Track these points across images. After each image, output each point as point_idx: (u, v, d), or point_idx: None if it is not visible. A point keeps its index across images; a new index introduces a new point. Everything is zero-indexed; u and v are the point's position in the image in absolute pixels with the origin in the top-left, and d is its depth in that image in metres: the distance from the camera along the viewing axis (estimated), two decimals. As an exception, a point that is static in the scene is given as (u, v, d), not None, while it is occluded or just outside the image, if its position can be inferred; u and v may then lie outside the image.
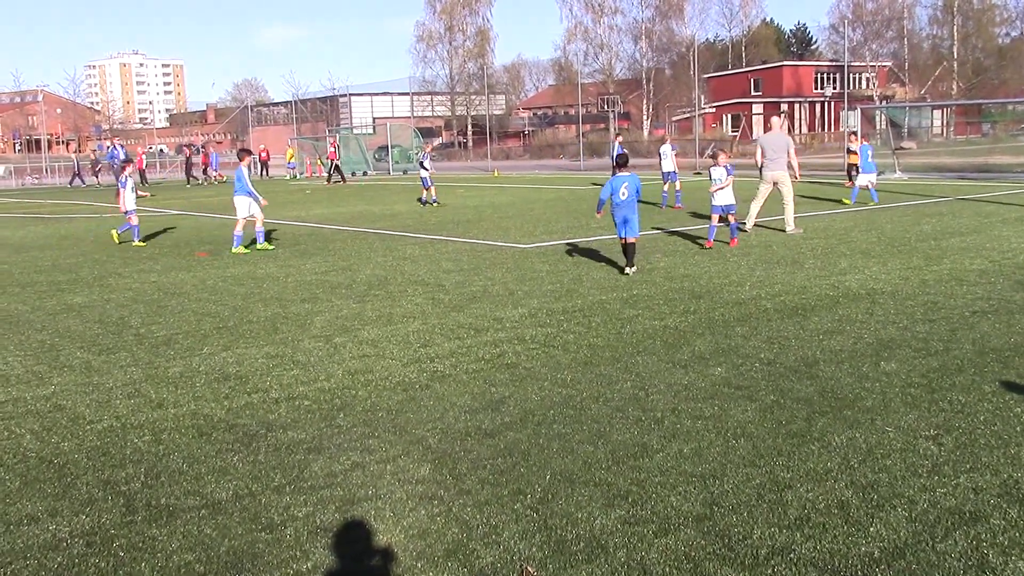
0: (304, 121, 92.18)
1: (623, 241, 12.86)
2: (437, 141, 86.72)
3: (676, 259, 14.05)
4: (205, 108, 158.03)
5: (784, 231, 16.71)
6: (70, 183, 52.48)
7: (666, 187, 24.05)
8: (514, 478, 5.44)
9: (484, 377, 7.70)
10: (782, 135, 17.40)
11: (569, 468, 5.56)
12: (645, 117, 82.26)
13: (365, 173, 58.98)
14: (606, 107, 78.75)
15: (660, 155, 24.65)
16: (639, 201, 13.22)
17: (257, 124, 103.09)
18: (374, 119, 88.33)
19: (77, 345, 9.44)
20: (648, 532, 4.66)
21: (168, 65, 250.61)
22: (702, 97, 73.95)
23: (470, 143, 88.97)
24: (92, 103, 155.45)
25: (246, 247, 17.10)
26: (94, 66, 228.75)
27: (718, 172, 15.27)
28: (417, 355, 8.53)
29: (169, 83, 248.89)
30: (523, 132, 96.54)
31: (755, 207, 17.04)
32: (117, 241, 19.17)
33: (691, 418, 6.43)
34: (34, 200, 39.83)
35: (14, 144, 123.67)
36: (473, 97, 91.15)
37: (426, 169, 27.64)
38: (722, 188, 15.07)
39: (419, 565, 4.42)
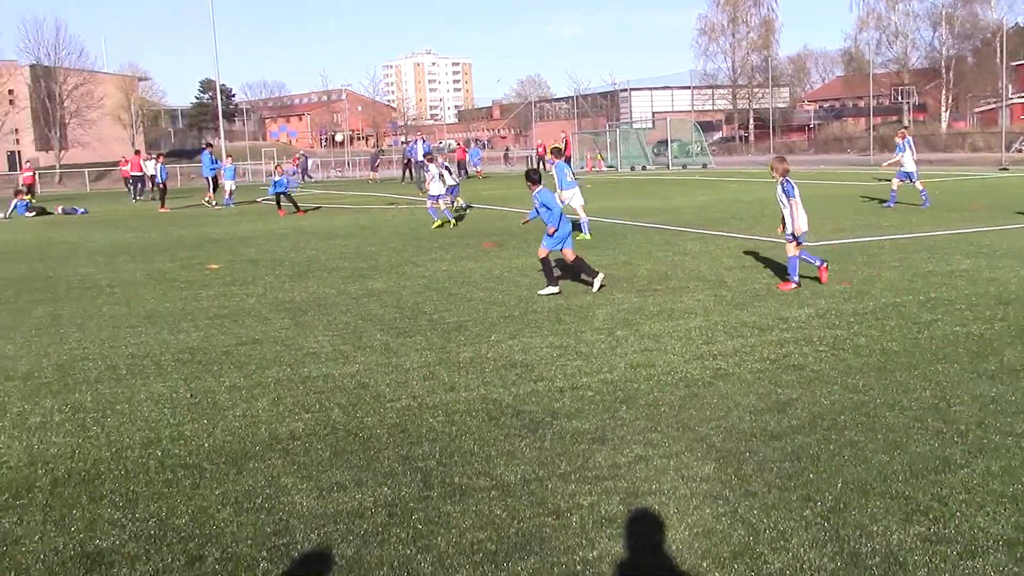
0: (584, 116, 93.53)
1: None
2: (716, 135, 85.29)
3: (980, 261, 13.05)
4: (491, 104, 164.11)
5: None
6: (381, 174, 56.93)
7: (919, 184, 22.29)
8: (803, 484, 5.27)
9: (769, 377, 7.51)
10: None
11: (862, 478, 5.31)
12: (944, 108, 76.92)
13: (644, 167, 59.11)
14: (899, 98, 74.16)
15: (904, 150, 22.72)
16: None
17: (539, 119, 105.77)
18: (653, 113, 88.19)
19: (377, 328, 10.10)
20: (952, 553, 4.37)
21: (457, 63, 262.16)
22: (1009, 87, 68.09)
23: (751, 137, 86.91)
24: (389, 100, 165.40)
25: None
26: (391, 66, 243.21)
27: None
28: (699, 352, 8.45)
29: (458, 80, 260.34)
30: (808, 125, 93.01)
31: None
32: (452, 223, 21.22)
33: (1000, 433, 5.96)
34: (337, 192, 42.98)
35: (320, 139, 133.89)
36: (756, 90, 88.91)
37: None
38: None
39: (704, 565, 4.38)
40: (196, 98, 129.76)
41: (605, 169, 58.66)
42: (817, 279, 11.74)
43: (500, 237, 18.80)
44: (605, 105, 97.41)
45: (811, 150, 76.23)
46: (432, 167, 23.39)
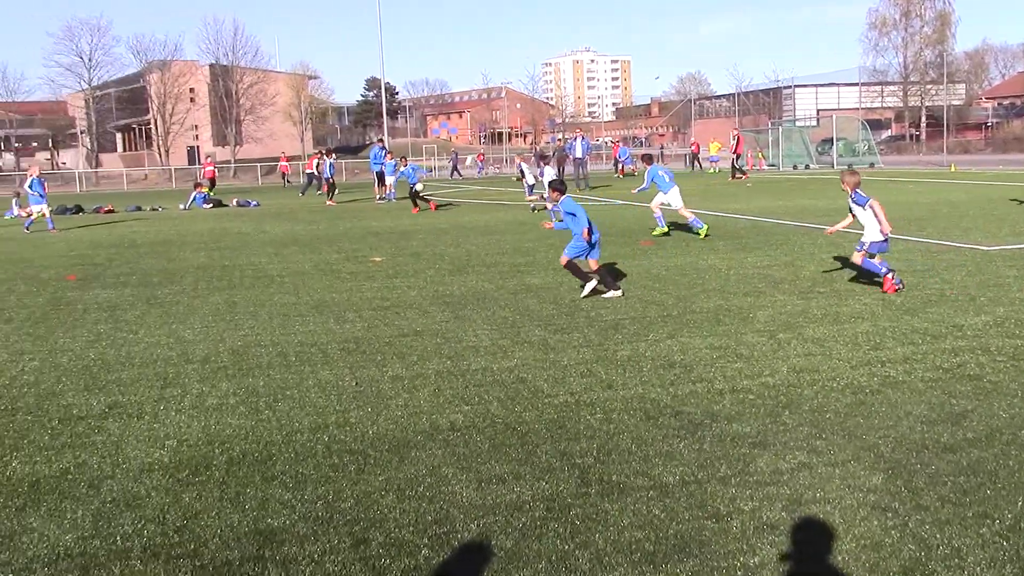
0: (746, 114, 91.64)
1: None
2: (885, 134, 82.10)
3: None
4: (649, 102, 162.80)
5: None
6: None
7: None
8: (979, 499, 5.01)
9: (942, 387, 7.17)
10: None
11: (1046, 496, 5.01)
12: None
13: (807, 166, 57.46)
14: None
15: None
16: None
17: (699, 117, 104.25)
18: (818, 111, 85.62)
19: (535, 323, 10.17)
20: None
21: (616, 61, 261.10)
22: None
23: (923, 136, 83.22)
24: (547, 98, 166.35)
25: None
26: (550, 63, 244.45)
27: None
28: (867, 358, 8.15)
29: (617, 78, 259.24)
30: (985, 124, 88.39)
31: None
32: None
33: None
34: (495, 188, 43.53)
35: (479, 136, 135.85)
36: (929, 87, 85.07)
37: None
38: None
39: (872, 577, 4.23)
40: (361, 96, 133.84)
41: (766, 168, 57.32)
42: (880, 285, 11.46)
43: (659, 236, 18.62)
44: (767, 102, 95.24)
45: (988, 149, 72.43)
46: (548, 169, 24.54)
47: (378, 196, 35.89)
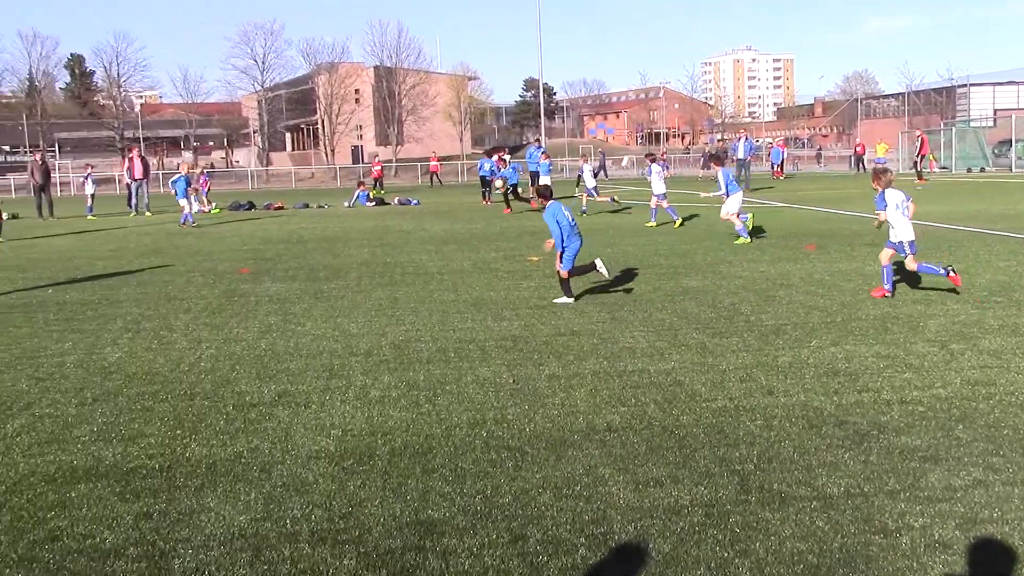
0: (916, 114, 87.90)
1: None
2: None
3: None
4: (812, 101, 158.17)
5: None
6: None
7: None
8: None
9: None
10: None
11: None
12: None
13: (983, 169, 54.64)
14: None
15: None
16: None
17: (865, 117, 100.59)
18: (995, 111, 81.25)
19: (693, 326, 10.05)
20: None
21: (779, 59, 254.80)
22: None
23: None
24: (706, 98, 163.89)
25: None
26: (710, 63, 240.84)
27: None
28: (1049, 372, 7.69)
29: (779, 77, 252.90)
30: None
31: None
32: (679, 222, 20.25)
33: None
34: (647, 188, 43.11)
35: (636, 136, 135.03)
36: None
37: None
38: None
39: (1056, 605, 3.99)
40: (520, 96, 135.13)
41: (937, 170, 54.79)
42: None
43: (822, 239, 18.07)
44: (939, 102, 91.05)
45: None
46: (654, 167, 24.73)
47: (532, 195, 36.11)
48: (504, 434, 6.50)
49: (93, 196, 35.31)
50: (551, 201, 12.12)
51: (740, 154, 38.04)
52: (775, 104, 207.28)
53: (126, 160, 35.26)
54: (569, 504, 5.22)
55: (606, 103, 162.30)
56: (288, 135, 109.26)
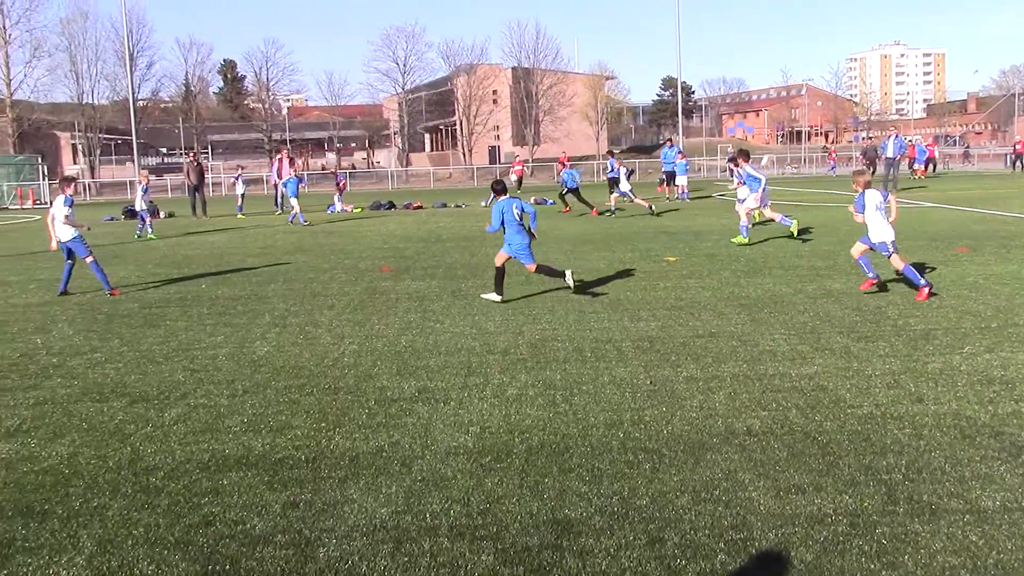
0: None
1: None
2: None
3: None
4: (966, 97, 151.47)
5: None
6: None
7: None
8: None
9: None
10: None
11: None
12: None
13: None
14: None
15: None
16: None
17: (1023, 113, 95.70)
18: None
19: (837, 330, 9.76)
20: None
21: (929, 54, 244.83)
22: None
23: None
24: (851, 95, 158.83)
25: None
26: (855, 59, 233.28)
27: None
28: None
29: (929, 72, 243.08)
30: None
31: None
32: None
33: None
34: (792, 188, 42.12)
35: (776, 135, 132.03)
36: None
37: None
38: None
39: None
40: (657, 95, 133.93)
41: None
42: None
43: (976, 241, 17.28)
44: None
45: None
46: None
47: (667, 196, 35.78)
48: (641, 435, 6.46)
49: (243, 196, 36.77)
50: (503, 197, 12.30)
51: (889, 153, 36.59)
52: (925, 100, 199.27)
53: (274, 161, 36.54)
54: (708, 508, 5.15)
55: (745, 101, 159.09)
56: (427, 136, 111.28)
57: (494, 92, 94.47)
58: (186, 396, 7.86)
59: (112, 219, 34.80)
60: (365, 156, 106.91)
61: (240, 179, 38.06)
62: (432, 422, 6.92)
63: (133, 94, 69.59)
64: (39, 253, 20.35)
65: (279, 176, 34.56)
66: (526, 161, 79.34)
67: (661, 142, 41.88)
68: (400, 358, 9.08)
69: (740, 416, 6.84)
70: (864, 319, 10.27)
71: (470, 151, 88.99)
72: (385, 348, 9.56)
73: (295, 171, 34.06)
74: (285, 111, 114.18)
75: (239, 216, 33.78)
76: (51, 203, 13.74)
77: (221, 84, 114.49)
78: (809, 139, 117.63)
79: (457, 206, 38.09)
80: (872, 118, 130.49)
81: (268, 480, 5.80)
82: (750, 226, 18.71)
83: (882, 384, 7.59)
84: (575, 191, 29.96)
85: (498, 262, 12.22)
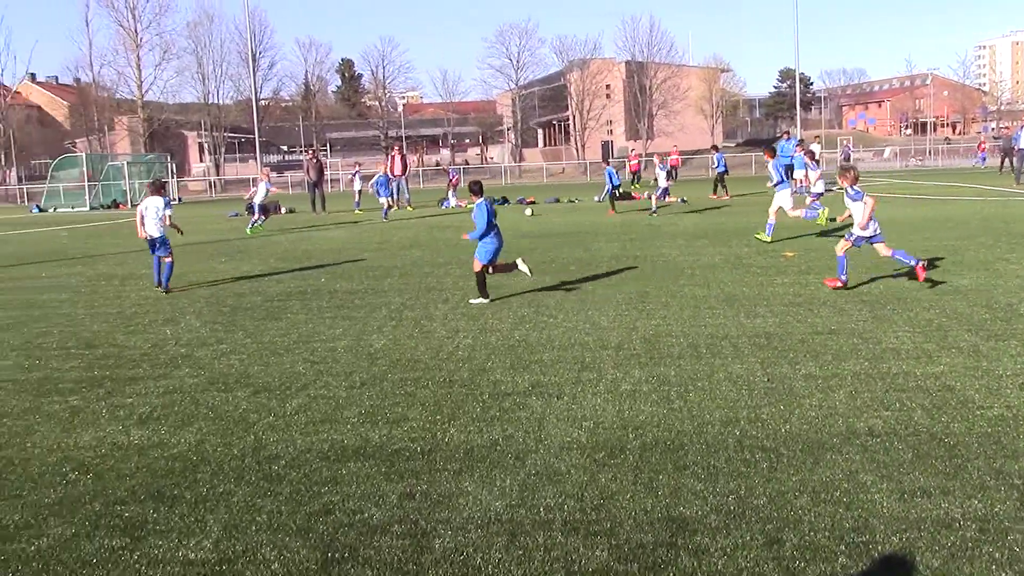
0: None
1: None
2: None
3: None
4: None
5: None
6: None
7: None
8: None
9: None
10: None
11: None
12: None
13: None
14: None
15: None
16: None
17: None
18: None
19: (964, 327, 9.40)
20: None
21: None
22: None
23: None
24: (979, 84, 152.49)
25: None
26: (984, 46, 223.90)
27: None
28: None
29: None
30: None
31: None
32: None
33: None
34: (917, 181, 40.72)
35: (901, 127, 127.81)
36: None
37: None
38: None
39: None
40: (774, 87, 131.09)
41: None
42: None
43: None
44: None
45: None
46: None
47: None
48: (758, 434, 6.34)
49: (360, 192, 37.48)
50: (480, 198, 12.30)
51: (1022, 143, 35.01)
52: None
53: (388, 158, 37.16)
54: (828, 510, 5.02)
55: (867, 92, 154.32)
56: (540, 131, 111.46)
57: (607, 87, 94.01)
58: (306, 387, 8.07)
59: (236, 215, 35.92)
60: (479, 152, 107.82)
61: (357, 175, 38.79)
62: (546, 416, 6.94)
63: (256, 94, 71.70)
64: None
65: (392, 173, 35.15)
66: (640, 155, 78.87)
67: (778, 135, 41.02)
68: (514, 352, 9.12)
69: (861, 416, 6.65)
70: (994, 316, 9.86)
71: (583, 146, 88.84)
72: (499, 342, 9.62)
73: (407, 168, 34.53)
74: (400, 108, 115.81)
75: (356, 212, 34.47)
76: (142, 203, 14.51)
77: (339, 83, 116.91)
78: (935, 130, 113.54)
79: (570, 201, 38.07)
80: (1003, 108, 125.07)
81: (385, 471, 5.91)
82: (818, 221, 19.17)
83: (1014, 385, 7.27)
84: (616, 189, 29.57)
85: (476, 267, 12.30)
